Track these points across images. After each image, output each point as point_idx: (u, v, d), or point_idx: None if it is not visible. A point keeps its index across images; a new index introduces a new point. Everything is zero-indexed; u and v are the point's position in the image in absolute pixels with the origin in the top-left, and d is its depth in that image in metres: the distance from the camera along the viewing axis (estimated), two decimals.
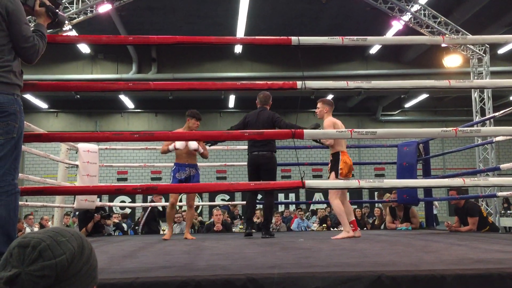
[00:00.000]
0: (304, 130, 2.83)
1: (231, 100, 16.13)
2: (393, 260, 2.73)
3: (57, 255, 0.90)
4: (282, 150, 15.49)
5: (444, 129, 2.80)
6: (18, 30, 2.33)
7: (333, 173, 4.76)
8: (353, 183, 2.71)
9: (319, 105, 5.09)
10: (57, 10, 2.59)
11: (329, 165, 4.90)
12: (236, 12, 10.95)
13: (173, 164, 5.52)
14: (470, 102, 11.48)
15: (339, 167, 4.74)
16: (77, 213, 6.99)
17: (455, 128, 2.78)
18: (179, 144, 5.30)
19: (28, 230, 8.54)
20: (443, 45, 9.90)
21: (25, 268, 0.88)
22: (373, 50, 13.92)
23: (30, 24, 2.49)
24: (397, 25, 10.87)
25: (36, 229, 8.70)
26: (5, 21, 2.30)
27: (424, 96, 15.86)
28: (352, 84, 2.81)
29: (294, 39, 2.84)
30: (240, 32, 11.74)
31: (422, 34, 10.52)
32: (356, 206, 10.42)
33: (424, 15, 10.46)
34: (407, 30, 10.88)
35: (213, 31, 12.37)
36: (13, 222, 2.25)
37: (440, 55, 12.54)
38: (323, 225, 9.46)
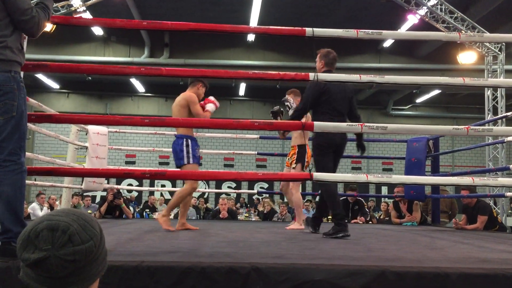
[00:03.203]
0: (315, 123, 2.82)
1: (242, 88, 16.10)
2: (397, 255, 2.74)
3: (84, 240, 0.91)
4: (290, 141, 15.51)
5: (456, 127, 2.78)
6: (14, 3, 2.24)
7: (299, 165, 4.99)
8: (361, 177, 2.70)
9: (291, 96, 5.04)
10: None
11: (295, 156, 5.06)
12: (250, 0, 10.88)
13: (181, 138, 4.35)
14: (483, 99, 11.37)
15: (306, 160, 5.02)
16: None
17: (466, 127, 2.76)
18: (212, 107, 4.48)
19: (35, 210, 8.63)
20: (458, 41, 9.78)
21: (54, 251, 0.89)
22: (387, 44, 13.79)
23: None
24: (412, 19, 10.75)
25: (45, 207, 8.78)
26: None
27: (436, 92, 15.71)
28: (365, 77, 2.79)
29: (308, 30, 2.82)
30: (254, 20, 11.67)
31: (437, 29, 10.40)
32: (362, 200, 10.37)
33: (441, 10, 10.33)
34: (423, 25, 10.75)
35: (226, 18, 12.31)
36: (20, 200, 2.25)
37: (454, 51, 12.38)
38: (328, 217, 9.47)
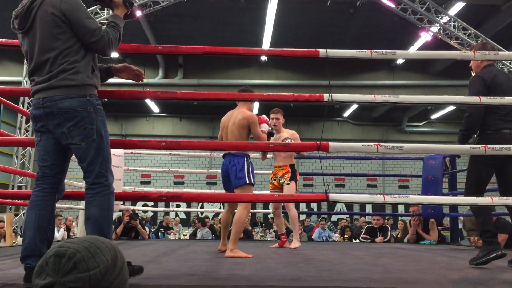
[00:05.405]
0: (330, 143, 2.82)
1: (256, 107, 16.18)
2: (417, 277, 2.70)
3: (91, 268, 0.92)
4: (305, 159, 15.50)
5: (473, 146, 2.75)
6: (81, 26, 2.29)
7: (294, 182, 5.05)
8: (378, 197, 2.69)
9: (279, 115, 5.08)
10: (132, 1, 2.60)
11: (288, 175, 5.08)
12: (262, 20, 11.00)
13: (241, 157, 4.07)
14: None
15: (297, 179, 5.11)
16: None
17: (484, 146, 2.74)
18: (267, 127, 4.30)
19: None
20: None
21: (59, 278, 0.91)
22: (400, 60, 13.78)
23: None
24: (425, 36, 10.75)
25: (62, 229, 8.84)
26: (64, 22, 2.26)
27: (451, 108, 15.61)
28: (379, 98, 2.79)
29: (322, 51, 2.84)
30: (267, 40, 11.77)
31: (451, 45, 10.37)
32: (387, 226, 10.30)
33: (454, 27, 10.32)
34: (436, 41, 10.74)
35: (239, 39, 12.45)
36: (107, 222, 2.27)
37: (468, 67, 12.30)
38: (345, 236, 9.37)
